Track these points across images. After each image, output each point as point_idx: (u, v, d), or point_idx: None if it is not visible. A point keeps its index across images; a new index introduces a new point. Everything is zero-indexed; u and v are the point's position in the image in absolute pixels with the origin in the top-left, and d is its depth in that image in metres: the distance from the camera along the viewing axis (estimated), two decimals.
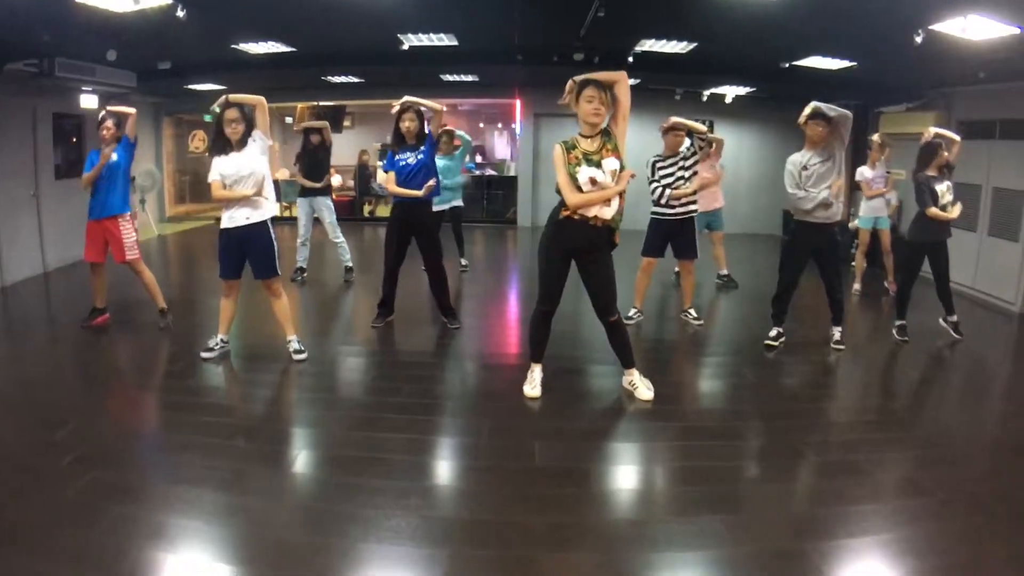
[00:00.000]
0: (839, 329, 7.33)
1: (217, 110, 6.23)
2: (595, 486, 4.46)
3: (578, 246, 5.48)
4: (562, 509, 4.07)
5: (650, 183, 7.85)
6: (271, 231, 6.37)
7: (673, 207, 7.80)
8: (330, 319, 8.49)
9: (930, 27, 6.95)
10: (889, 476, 4.60)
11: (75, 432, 4.96)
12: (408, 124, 7.39)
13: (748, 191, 16.07)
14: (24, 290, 9.68)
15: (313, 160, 10.18)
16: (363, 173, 17.67)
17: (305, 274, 10.20)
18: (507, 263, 13.05)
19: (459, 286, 10.11)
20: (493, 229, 16.15)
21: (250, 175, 6.17)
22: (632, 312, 8.07)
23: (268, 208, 6.32)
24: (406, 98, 7.46)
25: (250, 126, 6.24)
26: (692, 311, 8.26)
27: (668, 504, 4.28)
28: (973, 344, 7.89)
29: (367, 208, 18.02)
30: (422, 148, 7.42)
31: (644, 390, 5.78)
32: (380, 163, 18.09)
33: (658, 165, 7.85)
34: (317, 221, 10.19)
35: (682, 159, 7.81)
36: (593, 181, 5.21)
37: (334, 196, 10.34)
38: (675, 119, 7.91)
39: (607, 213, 5.31)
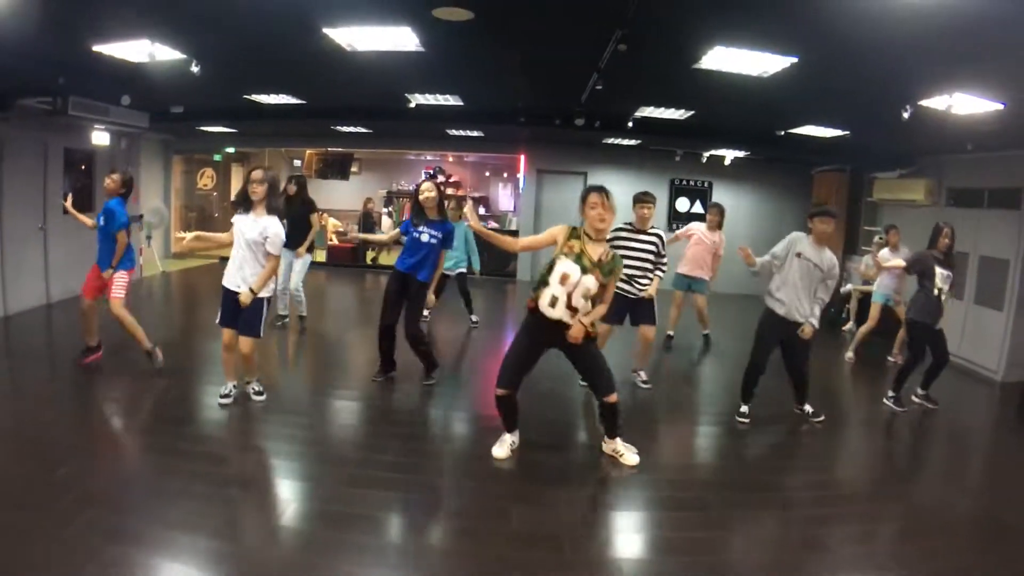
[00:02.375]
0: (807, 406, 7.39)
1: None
2: (568, 552, 4.56)
3: (550, 340, 5.57)
4: (535, 572, 4.22)
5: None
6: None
7: (634, 287, 7.68)
8: (326, 370, 8.56)
9: (918, 103, 7.21)
10: (850, 552, 4.73)
11: (74, 471, 5.11)
12: (427, 195, 7.37)
13: None
14: (25, 321, 9.86)
15: (293, 214, 9.40)
16: (367, 220, 17.70)
17: (286, 320, 10.25)
18: (505, 317, 13.15)
19: (465, 341, 10.31)
20: (492, 282, 16.30)
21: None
22: None
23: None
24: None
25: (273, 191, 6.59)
26: (642, 373, 8.25)
27: (636, 573, 4.38)
28: (954, 414, 8.04)
29: (370, 255, 18.10)
30: (440, 234, 7.38)
31: (630, 456, 5.88)
32: (385, 209, 18.39)
33: (622, 236, 7.58)
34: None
35: (655, 247, 7.67)
36: (564, 279, 5.32)
37: (338, 242, 10.00)
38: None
39: (552, 313, 5.40)
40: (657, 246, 7.66)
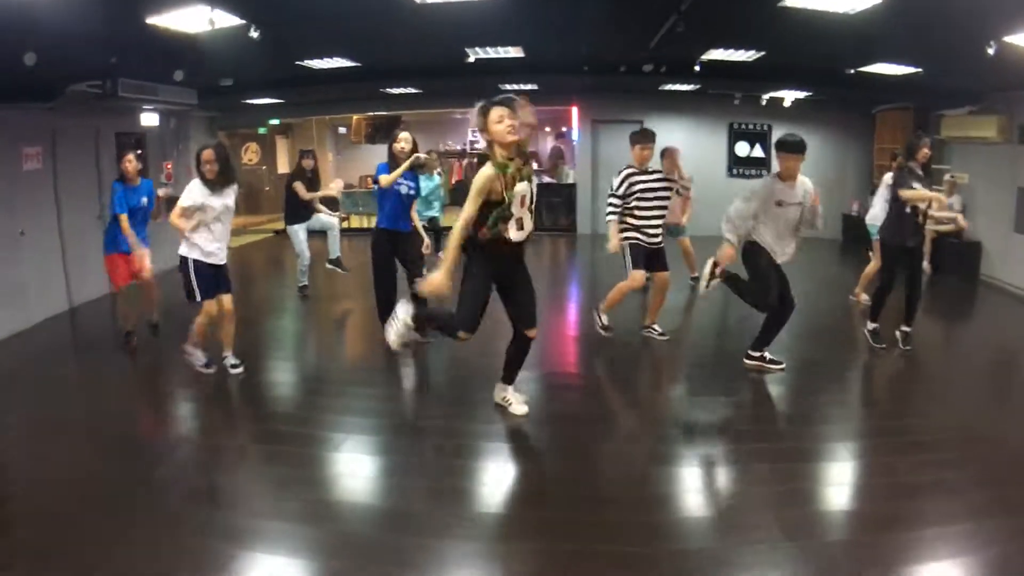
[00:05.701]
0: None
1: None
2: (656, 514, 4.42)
3: (509, 264, 5.40)
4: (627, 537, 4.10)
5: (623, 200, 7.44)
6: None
7: (654, 234, 7.48)
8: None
9: (1002, 39, 6.88)
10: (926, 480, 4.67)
11: (173, 468, 4.94)
12: (403, 146, 7.26)
13: None
14: (92, 311, 9.74)
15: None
16: None
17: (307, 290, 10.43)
18: (564, 272, 12.90)
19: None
20: (550, 237, 16.08)
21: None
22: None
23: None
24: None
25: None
26: (656, 327, 7.91)
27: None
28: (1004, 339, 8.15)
29: None
30: (415, 184, 7.45)
31: (519, 406, 5.75)
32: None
33: (634, 180, 7.38)
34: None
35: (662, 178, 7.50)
36: (523, 201, 5.15)
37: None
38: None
39: (520, 236, 5.22)
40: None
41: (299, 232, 9.99)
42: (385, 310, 7.38)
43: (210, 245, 6.46)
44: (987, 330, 9.03)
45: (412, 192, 7.38)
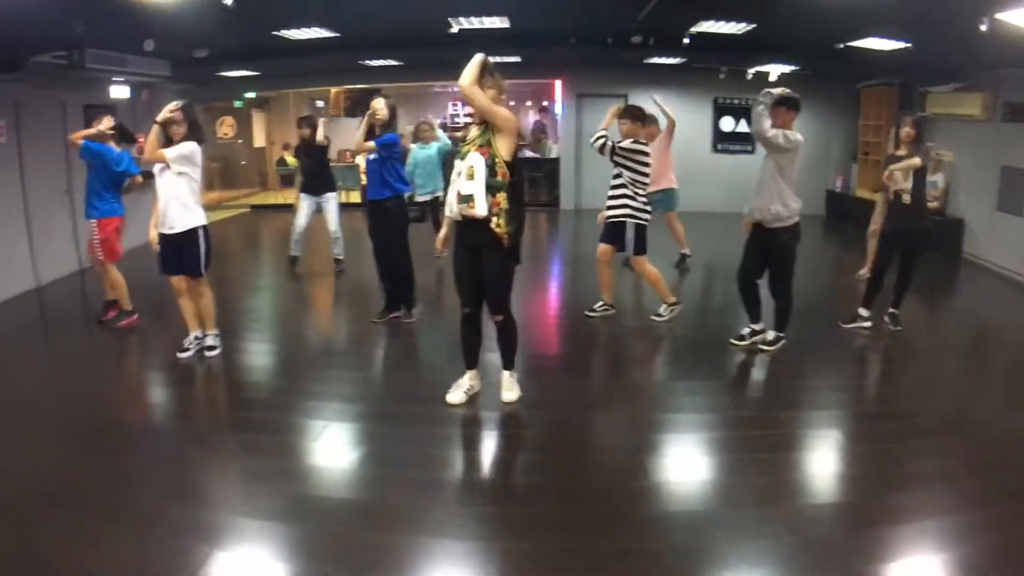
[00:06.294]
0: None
1: None
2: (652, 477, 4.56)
3: (467, 242, 5.21)
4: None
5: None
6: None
7: (611, 206, 7.34)
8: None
9: (994, 16, 6.69)
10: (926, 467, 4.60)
11: (148, 459, 4.74)
12: (381, 114, 7.03)
13: None
14: (60, 290, 9.40)
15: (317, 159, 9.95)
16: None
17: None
18: (545, 249, 12.80)
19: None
20: (531, 212, 15.74)
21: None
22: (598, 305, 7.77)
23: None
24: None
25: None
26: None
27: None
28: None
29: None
30: (377, 147, 7.06)
31: (507, 393, 5.58)
32: (413, 146, 17.88)
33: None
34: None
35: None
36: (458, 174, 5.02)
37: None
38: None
39: (478, 212, 4.93)
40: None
41: (303, 200, 9.88)
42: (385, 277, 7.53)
43: (158, 208, 6.31)
44: (974, 310, 9.07)
45: (371, 156, 7.06)
